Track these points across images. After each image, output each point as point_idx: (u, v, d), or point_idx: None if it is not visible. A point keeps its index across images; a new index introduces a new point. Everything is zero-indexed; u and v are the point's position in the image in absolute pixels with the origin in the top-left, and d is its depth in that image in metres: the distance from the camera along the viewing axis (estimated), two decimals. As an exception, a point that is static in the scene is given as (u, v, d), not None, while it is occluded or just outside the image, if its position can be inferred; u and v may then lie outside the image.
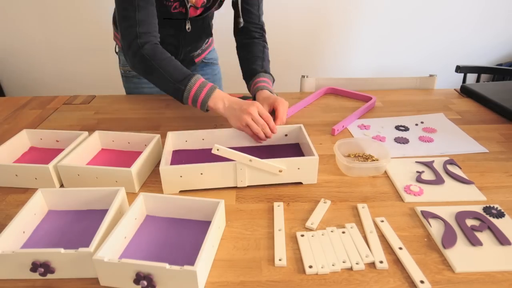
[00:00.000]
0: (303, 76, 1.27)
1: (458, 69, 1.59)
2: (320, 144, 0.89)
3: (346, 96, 1.19)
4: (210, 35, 1.18)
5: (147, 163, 0.77)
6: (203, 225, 0.62)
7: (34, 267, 0.52)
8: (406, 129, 0.97)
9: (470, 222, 0.63)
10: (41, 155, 0.84)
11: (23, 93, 2.41)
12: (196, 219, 0.64)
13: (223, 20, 1.30)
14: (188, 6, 0.97)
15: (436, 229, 0.62)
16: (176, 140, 0.84)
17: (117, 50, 1.22)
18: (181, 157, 0.82)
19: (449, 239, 0.59)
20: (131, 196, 0.71)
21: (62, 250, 0.52)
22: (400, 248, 0.58)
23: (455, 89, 1.23)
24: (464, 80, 1.67)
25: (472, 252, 0.57)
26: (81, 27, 2.17)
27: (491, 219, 0.64)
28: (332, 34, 2.28)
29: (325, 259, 0.56)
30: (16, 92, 2.44)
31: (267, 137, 0.82)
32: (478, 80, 1.75)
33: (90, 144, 0.82)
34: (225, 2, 1.06)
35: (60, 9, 2.13)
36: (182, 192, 0.73)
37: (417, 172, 0.77)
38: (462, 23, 2.27)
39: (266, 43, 1.11)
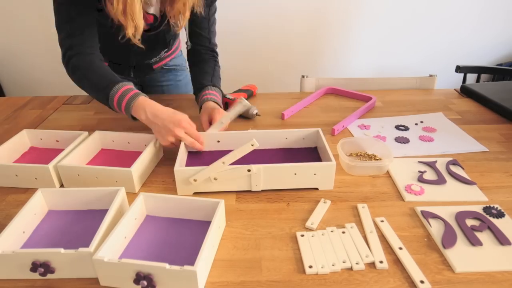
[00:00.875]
0: (303, 76, 1.27)
1: (458, 69, 1.59)
2: (320, 144, 0.89)
3: (346, 96, 1.19)
4: (166, 47, 1.15)
5: (147, 163, 0.77)
6: (203, 225, 0.62)
7: (34, 267, 0.52)
8: (406, 128, 0.97)
9: (470, 222, 0.63)
10: (41, 155, 0.84)
11: (23, 93, 2.41)
12: (196, 219, 0.64)
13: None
14: None
15: (436, 229, 0.62)
16: None
17: None
18: (197, 158, 0.82)
19: (449, 239, 0.59)
20: (131, 196, 0.71)
21: (62, 250, 0.52)
22: (400, 248, 0.58)
23: (455, 89, 1.23)
24: (464, 80, 1.67)
25: (472, 252, 0.57)
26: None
27: (491, 219, 0.64)
28: (332, 34, 2.28)
29: (325, 259, 0.56)
30: (16, 92, 2.44)
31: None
32: (478, 80, 1.75)
33: (90, 144, 0.82)
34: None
35: (60, 9, 2.12)
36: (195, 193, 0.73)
37: (419, 172, 0.77)
38: (462, 23, 2.27)
39: (217, 63, 1.10)
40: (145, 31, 0.94)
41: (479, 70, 1.64)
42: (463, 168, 0.78)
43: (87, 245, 0.53)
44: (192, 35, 1.05)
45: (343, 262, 0.56)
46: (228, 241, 0.61)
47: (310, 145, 0.85)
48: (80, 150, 0.79)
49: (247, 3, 2.14)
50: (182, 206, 0.64)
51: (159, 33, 1.02)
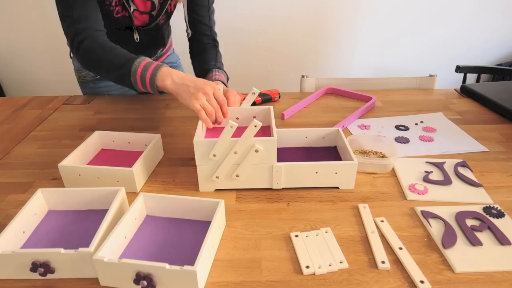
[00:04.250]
0: (303, 76, 1.27)
1: (458, 69, 1.59)
2: (320, 144, 0.89)
3: (346, 96, 1.19)
4: (164, 44, 1.16)
5: (148, 163, 0.77)
6: (203, 225, 0.62)
7: (34, 267, 0.52)
8: (406, 128, 0.97)
9: (470, 222, 0.63)
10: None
11: (23, 93, 2.41)
12: (196, 219, 0.64)
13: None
14: (131, 10, 0.93)
15: (436, 229, 0.62)
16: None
17: (71, 56, 1.20)
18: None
19: (449, 239, 0.59)
20: (133, 196, 0.71)
21: (62, 250, 0.52)
22: (400, 248, 0.58)
23: (455, 89, 1.23)
24: (464, 80, 1.67)
25: (472, 252, 0.57)
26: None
27: (491, 219, 0.64)
28: (332, 34, 2.28)
29: (322, 259, 0.56)
30: (16, 92, 2.44)
31: (217, 122, 0.76)
32: (478, 80, 1.75)
33: (90, 144, 0.82)
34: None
35: (60, 9, 2.13)
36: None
37: (425, 172, 0.77)
38: (462, 23, 2.27)
39: (219, 51, 1.11)
40: (142, 27, 0.95)
41: (479, 70, 1.64)
42: (471, 170, 0.78)
43: (87, 245, 0.53)
44: (192, 23, 1.04)
45: (340, 262, 0.56)
46: (228, 241, 0.61)
47: (329, 144, 0.85)
48: (80, 150, 0.78)
49: (247, 4, 2.14)
50: (182, 206, 0.64)
51: (157, 31, 1.02)
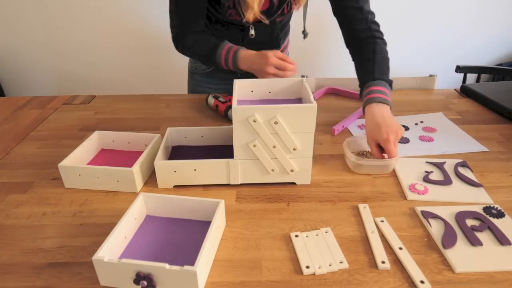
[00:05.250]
0: (303, 76, 1.27)
1: (458, 69, 1.60)
2: (320, 144, 0.89)
3: (346, 96, 1.19)
4: (278, 47, 1.10)
5: (148, 163, 0.77)
6: (203, 225, 0.62)
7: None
8: (406, 128, 0.97)
9: (470, 222, 0.63)
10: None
11: (23, 93, 2.41)
12: (196, 219, 0.64)
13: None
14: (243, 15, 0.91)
15: (436, 229, 0.62)
16: (176, 136, 0.84)
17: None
18: (180, 153, 0.82)
19: (449, 239, 0.59)
20: (133, 196, 0.71)
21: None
22: (400, 248, 0.58)
23: (455, 89, 1.23)
24: (464, 80, 1.67)
25: (472, 252, 0.57)
26: (81, 27, 2.17)
27: (491, 219, 0.64)
28: (332, 34, 2.28)
29: (322, 259, 0.56)
30: (16, 92, 2.44)
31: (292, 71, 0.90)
32: (478, 80, 1.75)
33: (90, 144, 0.82)
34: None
35: (60, 9, 2.13)
36: (176, 187, 0.73)
37: (426, 172, 0.77)
38: (462, 23, 2.27)
39: (379, 39, 0.93)
40: (258, 22, 0.97)
41: (479, 70, 1.64)
42: (471, 170, 0.78)
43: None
44: (338, 11, 0.95)
45: (340, 262, 0.56)
46: (228, 241, 0.61)
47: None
48: (80, 150, 0.78)
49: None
50: (182, 206, 0.64)
51: (273, 28, 1.06)
